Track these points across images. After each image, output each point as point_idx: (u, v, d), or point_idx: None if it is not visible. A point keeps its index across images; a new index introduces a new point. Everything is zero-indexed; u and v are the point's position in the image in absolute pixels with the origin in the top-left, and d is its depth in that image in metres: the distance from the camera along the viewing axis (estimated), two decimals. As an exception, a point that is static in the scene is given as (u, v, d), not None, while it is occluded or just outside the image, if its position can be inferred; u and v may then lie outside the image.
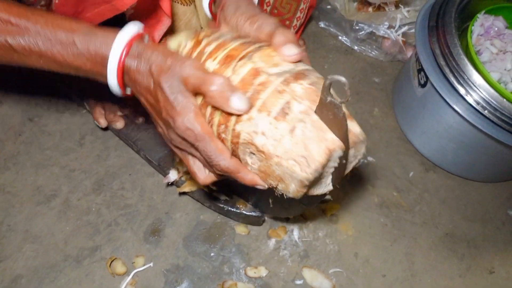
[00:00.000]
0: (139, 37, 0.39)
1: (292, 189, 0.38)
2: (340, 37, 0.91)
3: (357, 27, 0.87)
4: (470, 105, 0.61)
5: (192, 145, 0.38)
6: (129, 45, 0.38)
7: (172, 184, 0.66)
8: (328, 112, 0.35)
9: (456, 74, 0.62)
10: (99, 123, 0.69)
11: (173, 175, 0.63)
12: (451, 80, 0.62)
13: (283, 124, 0.36)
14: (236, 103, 0.35)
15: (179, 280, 0.60)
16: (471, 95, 0.61)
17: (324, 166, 0.36)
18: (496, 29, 0.68)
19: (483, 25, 0.68)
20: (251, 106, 0.36)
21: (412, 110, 0.75)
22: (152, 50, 0.38)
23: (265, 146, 0.36)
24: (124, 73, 0.39)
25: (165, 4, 0.55)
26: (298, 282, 0.62)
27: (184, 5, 0.63)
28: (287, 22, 0.79)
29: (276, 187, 0.39)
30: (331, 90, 0.34)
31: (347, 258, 0.65)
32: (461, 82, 0.61)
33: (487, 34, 0.68)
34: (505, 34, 0.67)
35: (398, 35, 0.86)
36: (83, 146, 0.72)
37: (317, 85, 0.37)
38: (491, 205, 0.74)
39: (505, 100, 0.59)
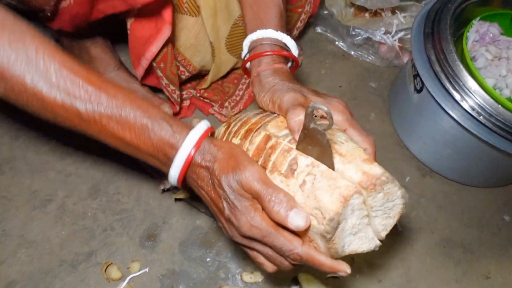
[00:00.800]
0: (207, 134, 0.40)
1: (323, 248, 0.37)
2: (337, 42, 0.92)
3: (353, 33, 0.88)
4: (466, 111, 0.61)
5: (259, 241, 0.38)
6: (199, 142, 0.39)
7: (168, 190, 0.66)
8: (312, 139, 0.36)
9: (451, 80, 0.62)
10: None
11: (168, 183, 0.63)
12: (446, 86, 0.62)
13: (292, 181, 0.36)
14: (295, 221, 0.35)
15: (174, 286, 0.60)
16: (466, 101, 0.61)
17: (340, 214, 0.35)
18: (491, 35, 0.68)
19: (478, 31, 0.69)
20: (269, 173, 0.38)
21: (408, 116, 0.76)
22: (218, 148, 0.39)
23: None
24: (188, 168, 0.40)
25: (167, 13, 0.55)
26: (294, 287, 0.61)
27: (192, 16, 0.63)
28: (299, 10, 0.76)
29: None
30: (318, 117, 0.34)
31: (343, 264, 0.64)
32: (457, 88, 0.62)
33: (482, 40, 0.68)
34: (500, 40, 0.68)
35: (395, 40, 0.86)
36: (80, 151, 0.72)
37: (328, 134, 0.38)
38: (487, 210, 0.74)
39: (500, 106, 0.59)
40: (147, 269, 0.61)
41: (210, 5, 0.62)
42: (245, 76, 0.82)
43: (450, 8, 0.68)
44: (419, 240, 0.69)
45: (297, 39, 0.87)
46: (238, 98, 0.79)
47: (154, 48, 0.58)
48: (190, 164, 0.39)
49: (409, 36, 0.85)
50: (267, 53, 0.47)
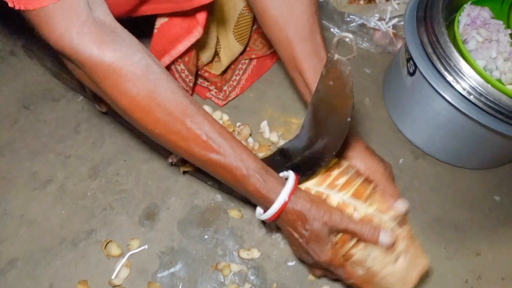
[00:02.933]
0: (297, 186, 0.49)
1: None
2: (332, 29, 0.93)
3: (348, 19, 0.89)
4: (457, 91, 0.63)
5: (323, 267, 0.52)
6: (291, 195, 0.48)
7: (175, 164, 0.67)
8: (335, 70, 0.37)
9: (443, 61, 0.64)
10: (101, 107, 0.70)
11: (176, 157, 0.64)
12: (438, 68, 0.64)
13: (390, 256, 0.50)
14: (384, 239, 0.48)
15: (173, 262, 0.61)
16: (458, 82, 0.63)
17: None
18: (482, 19, 0.70)
19: (470, 15, 0.70)
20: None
21: (402, 99, 0.77)
22: (307, 200, 0.48)
23: (373, 267, 0.50)
24: (281, 213, 0.49)
25: (201, 16, 0.56)
26: (290, 263, 0.63)
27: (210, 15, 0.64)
28: (253, 56, 0.81)
29: None
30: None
31: (338, 241, 0.66)
32: (448, 69, 0.63)
33: (474, 24, 0.70)
34: (491, 23, 0.69)
35: (389, 27, 0.88)
36: (79, 134, 0.73)
37: (411, 231, 0.53)
38: (479, 191, 0.76)
39: (489, 86, 0.61)
40: (146, 246, 0.62)
41: None
42: (242, 61, 0.83)
43: (442, -7, 0.69)
44: (412, 219, 0.71)
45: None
46: (235, 83, 0.81)
47: (181, 47, 0.60)
48: (281, 213, 0.48)
49: (402, 22, 0.86)
50: None
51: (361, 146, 0.56)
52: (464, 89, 0.62)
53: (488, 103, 0.61)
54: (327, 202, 0.50)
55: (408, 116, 0.77)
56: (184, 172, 0.66)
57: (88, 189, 0.67)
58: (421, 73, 0.67)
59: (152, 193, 0.68)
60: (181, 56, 0.65)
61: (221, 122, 0.72)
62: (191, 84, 0.73)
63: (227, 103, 0.79)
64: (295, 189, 0.49)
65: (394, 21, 0.88)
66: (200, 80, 0.80)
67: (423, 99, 0.71)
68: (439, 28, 0.65)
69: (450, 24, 0.73)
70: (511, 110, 0.60)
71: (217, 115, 0.74)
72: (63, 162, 0.70)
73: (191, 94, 0.78)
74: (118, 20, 0.45)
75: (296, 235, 0.50)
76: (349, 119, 0.41)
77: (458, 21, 0.70)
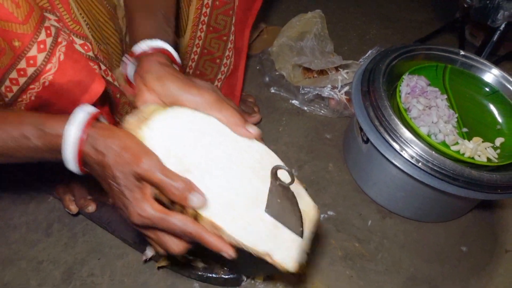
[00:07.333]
0: (92, 121, 0.39)
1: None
2: (290, 100, 0.99)
3: (303, 91, 0.96)
4: (406, 159, 0.68)
5: (153, 228, 0.40)
6: (85, 132, 0.38)
7: (150, 259, 0.67)
8: (279, 194, 0.41)
9: (390, 133, 0.69)
10: (70, 210, 0.71)
11: (150, 251, 0.65)
12: (386, 139, 0.69)
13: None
14: (194, 201, 0.38)
15: None
16: (405, 150, 0.68)
17: None
18: (420, 87, 0.77)
19: (409, 85, 0.77)
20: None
21: (361, 164, 0.82)
22: (105, 139, 0.38)
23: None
24: (83, 159, 0.39)
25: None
26: None
27: None
28: (224, 38, 0.77)
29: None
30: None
31: (317, 317, 0.67)
32: (395, 139, 0.69)
33: (413, 92, 0.77)
34: (428, 91, 0.77)
35: (342, 94, 0.95)
36: (51, 235, 0.73)
37: None
38: (446, 244, 0.80)
39: (434, 152, 0.66)
40: None
41: None
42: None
43: (381, 68, 0.76)
44: (387, 281, 0.73)
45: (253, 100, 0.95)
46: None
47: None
48: (82, 157, 0.39)
49: (353, 89, 0.94)
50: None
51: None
52: (411, 156, 0.68)
53: (434, 168, 0.66)
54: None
55: (369, 179, 0.82)
56: (159, 268, 0.67)
57: (62, 295, 0.66)
58: (372, 143, 0.72)
59: (129, 290, 0.67)
60: None
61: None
62: None
63: None
64: (91, 122, 0.39)
65: (346, 88, 0.95)
66: None
67: (379, 165, 0.76)
68: (382, 102, 0.71)
69: (394, 91, 0.80)
70: (456, 173, 0.65)
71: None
72: (36, 268, 0.69)
73: None
74: None
75: (105, 185, 0.40)
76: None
77: (400, 91, 0.77)
